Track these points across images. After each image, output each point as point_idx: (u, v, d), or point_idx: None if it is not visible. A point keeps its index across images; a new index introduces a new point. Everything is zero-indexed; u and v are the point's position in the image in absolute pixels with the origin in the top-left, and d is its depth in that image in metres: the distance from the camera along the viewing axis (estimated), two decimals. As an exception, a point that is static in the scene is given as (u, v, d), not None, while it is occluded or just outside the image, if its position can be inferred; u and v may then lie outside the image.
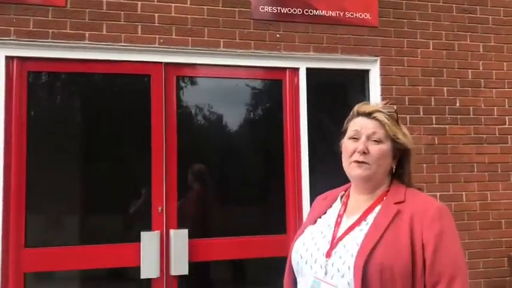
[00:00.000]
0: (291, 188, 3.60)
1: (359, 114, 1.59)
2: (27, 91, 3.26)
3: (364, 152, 1.51)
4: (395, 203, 1.49)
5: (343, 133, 1.62)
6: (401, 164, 1.58)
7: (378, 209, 1.50)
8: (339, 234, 1.49)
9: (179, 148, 3.44)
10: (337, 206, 1.62)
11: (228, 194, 3.74)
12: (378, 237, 1.40)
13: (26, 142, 3.22)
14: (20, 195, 3.18)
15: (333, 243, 1.47)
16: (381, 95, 3.77)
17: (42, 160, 3.29)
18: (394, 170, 1.57)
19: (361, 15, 3.78)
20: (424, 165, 3.80)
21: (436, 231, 1.41)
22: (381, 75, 3.81)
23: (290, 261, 1.59)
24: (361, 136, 1.53)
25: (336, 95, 3.85)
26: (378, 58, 3.82)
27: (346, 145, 1.57)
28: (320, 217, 1.62)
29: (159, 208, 3.35)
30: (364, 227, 1.47)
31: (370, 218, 1.48)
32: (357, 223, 1.49)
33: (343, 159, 1.59)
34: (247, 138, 3.81)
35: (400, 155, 1.57)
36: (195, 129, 3.68)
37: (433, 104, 3.89)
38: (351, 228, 1.49)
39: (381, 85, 3.80)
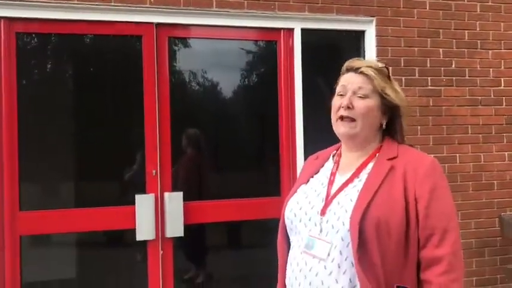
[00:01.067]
0: (285, 151, 3.59)
1: (348, 70, 1.57)
2: (16, 52, 3.18)
3: (349, 107, 1.49)
4: (388, 159, 1.49)
5: (334, 91, 1.61)
6: (393, 121, 1.57)
7: (370, 165, 1.51)
8: (332, 192, 1.50)
9: (172, 111, 3.39)
10: (329, 164, 1.62)
11: (222, 158, 3.74)
12: (372, 193, 1.40)
13: (16, 105, 3.16)
14: (13, 159, 3.14)
15: (327, 201, 1.48)
16: (377, 56, 3.73)
17: (34, 124, 3.26)
18: (384, 126, 1.55)
19: (357, -27, 3.70)
20: (419, 127, 3.79)
21: (429, 186, 1.42)
22: (376, 36, 3.76)
23: (283, 221, 1.59)
24: (347, 91, 1.52)
25: (331, 56, 3.80)
26: (374, 19, 3.76)
27: (333, 101, 1.57)
28: (312, 176, 1.63)
29: (153, 171, 3.35)
30: (358, 183, 1.47)
31: (363, 175, 1.49)
32: (350, 180, 1.49)
33: (331, 117, 1.58)
34: (241, 101, 3.78)
35: (391, 112, 1.55)
36: (188, 91, 3.64)
37: (428, 65, 3.85)
38: (344, 185, 1.49)
39: (377, 46, 3.75)
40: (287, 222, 1.56)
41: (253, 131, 3.81)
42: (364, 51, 3.80)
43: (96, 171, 3.41)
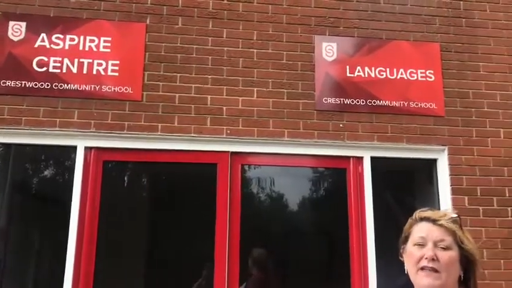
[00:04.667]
0: (357, 276, 3.44)
1: (422, 219, 1.55)
2: (102, 178, 3.44)
3: (433, 259, 1.46)
4: None
5: (403, 240, 1.59)
6: (467, 271, 1.51)
7: None
8: None
9: (242, 233, 3.43)
10: None
11: (290, 281, 3.64)
12: None
13: (97, 226, 3.34)
14: (89, 278, 3.26)
15: None
16: (451, 186, 3.65)
17: (112, 243, 3.40)
18: (462, 278, 1.50)
19: (425, 105, 3.78)
20: (502, 261, 3.53)
21: None
22: (449, 164, 3.71)
23: None
24: (427, 242, 1.50)
25: (403, 183, 3.77)
26: (446, 147, 3.74)
27: (412, 251, 1.53)
28: None
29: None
30: None
31: None
32: None
33: (408, 267, 1.54)
34: (310, 225, 3.77)
35: (466, 262, 1.51)
36: (259, 214, 3.70)
37: (507, 194, 3.69)
38: None
39: (450, 175, 3.68)
40: None
41: (322, 255, 3.72)
42: (437, 180, 3.73)
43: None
